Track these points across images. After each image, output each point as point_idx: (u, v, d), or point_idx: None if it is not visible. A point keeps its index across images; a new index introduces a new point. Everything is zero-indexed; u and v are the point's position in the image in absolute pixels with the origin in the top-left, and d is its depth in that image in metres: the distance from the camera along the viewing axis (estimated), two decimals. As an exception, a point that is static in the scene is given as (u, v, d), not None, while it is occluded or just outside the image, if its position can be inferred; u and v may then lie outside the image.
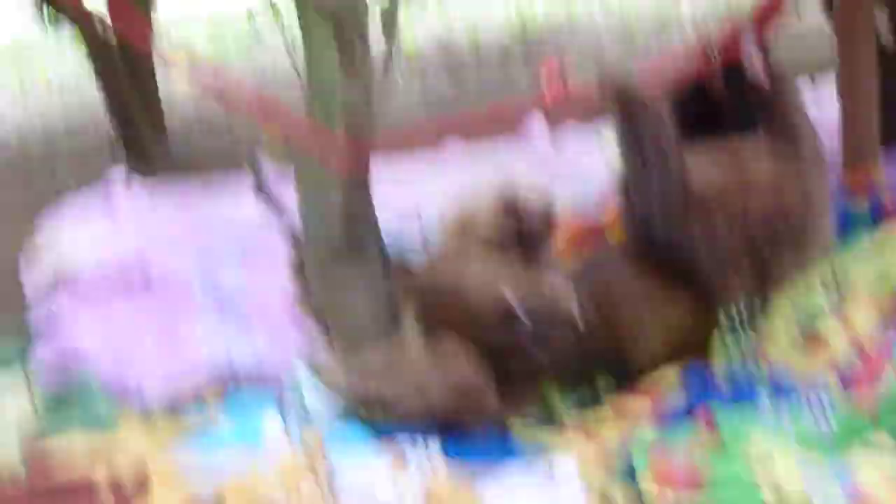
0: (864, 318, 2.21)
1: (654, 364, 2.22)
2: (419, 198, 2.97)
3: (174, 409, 2.37)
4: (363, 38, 2.44)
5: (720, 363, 2.21)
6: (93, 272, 2.72)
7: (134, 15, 3.27)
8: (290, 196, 2.44)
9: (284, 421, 2.12)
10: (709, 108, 2.42)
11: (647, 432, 1.99)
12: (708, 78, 2.39)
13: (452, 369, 2.13)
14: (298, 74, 2.68)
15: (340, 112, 2.38)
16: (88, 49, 4.16)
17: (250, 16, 6.63)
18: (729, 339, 2.23)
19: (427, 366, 2.16)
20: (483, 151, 3.21)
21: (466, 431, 2.09)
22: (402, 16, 2.98)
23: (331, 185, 2.37)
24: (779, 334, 2.26)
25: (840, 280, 2.34)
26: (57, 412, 2.39)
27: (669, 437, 1.93)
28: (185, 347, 2.53)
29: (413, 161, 3.02)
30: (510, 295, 2.17)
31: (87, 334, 2.58)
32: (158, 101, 4.39)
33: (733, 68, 2.37)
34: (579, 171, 3.09)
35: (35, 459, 2.19)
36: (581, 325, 2.18)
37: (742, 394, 2.06)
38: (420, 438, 2.01)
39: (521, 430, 2.14)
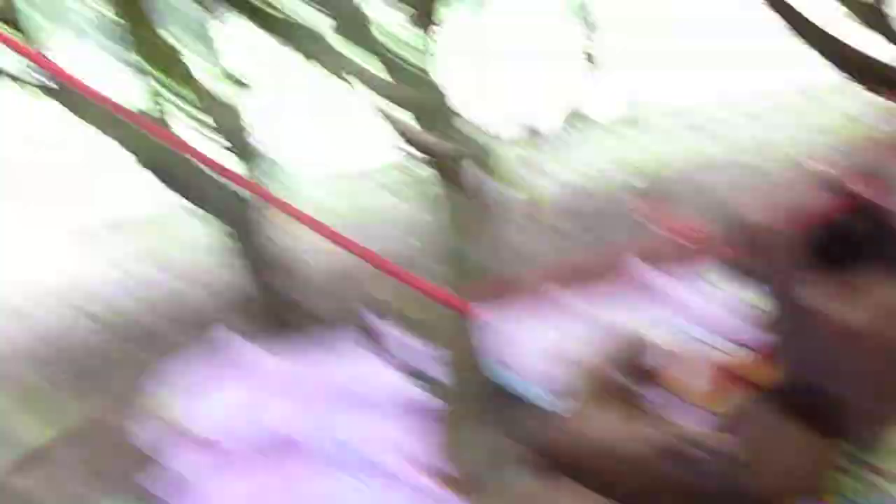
0: None
1: (777, 499, 2.10)
2: (543, 342, 2.93)
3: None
4: (487, 186, 2.47)
5: (837, 500, 2.07)
6: (214, 433, 2.74)
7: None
8: (415, 347, 2.44)
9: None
10: (847, 241, 2.34)
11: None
12: (843, 212, 2.32)
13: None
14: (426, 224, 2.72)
15: (468, 259, 2.39)
16: (226, 217, 4.33)
17: (380, 171, 6.85)
18: (849, 474, 2.09)
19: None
20: (605, 294, 3.17)
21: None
22: (532, 161, 3.01)
23: (459, 333, 2.37)
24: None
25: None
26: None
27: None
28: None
29: (536, 306, 3.00)
30: (664, 438, 2.11)
31: (218, 496, 2.58)
32: (285, 259, 4.55)
33: (868, 202, 2.29)
34: (704, 312, 3.02)
35: None
36: (734, 467, 2.08)
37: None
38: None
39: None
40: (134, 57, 3.99)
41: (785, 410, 2.23)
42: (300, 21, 2.80)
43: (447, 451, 2.35)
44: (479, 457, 2.32)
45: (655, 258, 3.05)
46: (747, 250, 2.26)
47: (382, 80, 2.76)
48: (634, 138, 7.26)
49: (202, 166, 4.07)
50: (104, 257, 6.34)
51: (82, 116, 4.08)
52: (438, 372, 2.36)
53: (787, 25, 3.97)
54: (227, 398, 2.90)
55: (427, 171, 2.73)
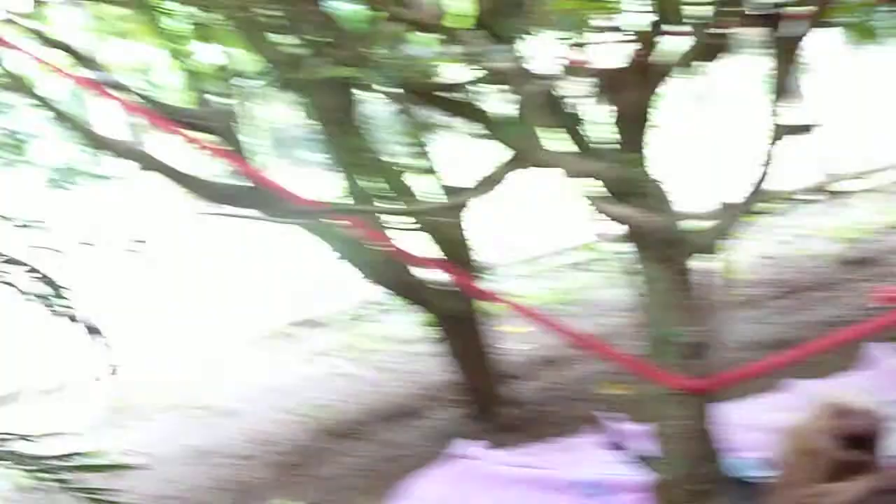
0: None
1: None
2: (768, 420, 2.77)
3: None
4: (691, 261, 2.38)
5: None
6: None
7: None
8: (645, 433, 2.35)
9: None
10: None
11: None
12: None
13: None
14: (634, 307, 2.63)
15: (680, 338, 2.31)
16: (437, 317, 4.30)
17: (575, 251, 6.76)
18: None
19: None
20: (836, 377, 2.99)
21: None
22: (733, 234, 2.88)
23: (684, 419, 2.28)
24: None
25: None
26: None
27: None
28: None
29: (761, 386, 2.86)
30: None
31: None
32: (497, 357, 4.41)
33: None
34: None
35: None
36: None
37: None
38: None
39: None
40: (343, 167, 4.03)
41: None
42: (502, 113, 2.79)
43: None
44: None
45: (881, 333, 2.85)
46: None
47: (577, 156, 2.71)
48: (836, 206, 6.93)
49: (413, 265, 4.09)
50: (309, 353, 6.45)
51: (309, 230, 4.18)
52: (666, 454, 2.26)
53: None
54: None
55: (628, 248, 2.65)
